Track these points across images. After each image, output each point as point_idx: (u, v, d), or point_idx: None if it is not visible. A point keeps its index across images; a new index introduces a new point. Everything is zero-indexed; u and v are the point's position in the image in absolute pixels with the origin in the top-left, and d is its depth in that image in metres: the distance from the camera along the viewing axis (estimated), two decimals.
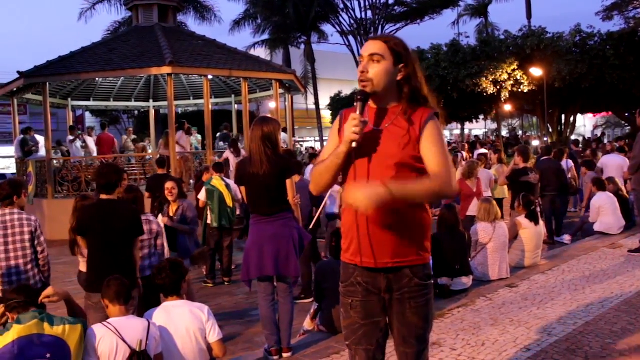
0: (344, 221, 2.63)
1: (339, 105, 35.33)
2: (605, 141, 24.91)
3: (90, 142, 15.81)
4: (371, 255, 2.50)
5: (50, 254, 5.27)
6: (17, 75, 13.84)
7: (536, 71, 22.36)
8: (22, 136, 15.27)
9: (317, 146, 35.66)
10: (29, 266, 4.97)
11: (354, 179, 2.49)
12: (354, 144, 2.38)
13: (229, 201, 8.30)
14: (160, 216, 6.57)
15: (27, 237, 4.95)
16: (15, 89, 14.88)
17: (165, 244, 6.29)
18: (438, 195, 2.49)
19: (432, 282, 2.67)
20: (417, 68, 2.57)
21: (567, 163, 12.22)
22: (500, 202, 10.32)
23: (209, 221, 8.39)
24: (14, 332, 3.04)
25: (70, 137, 15.78)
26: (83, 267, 5.11)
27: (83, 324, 3.33)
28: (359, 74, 2.50)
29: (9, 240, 4.92)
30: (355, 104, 2.44)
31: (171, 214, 6.62)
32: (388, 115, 2.54)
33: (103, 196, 4.54)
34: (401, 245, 2.50)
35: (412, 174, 2.46)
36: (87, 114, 32.37)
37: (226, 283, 8.37)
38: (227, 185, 8.36)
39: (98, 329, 3.43)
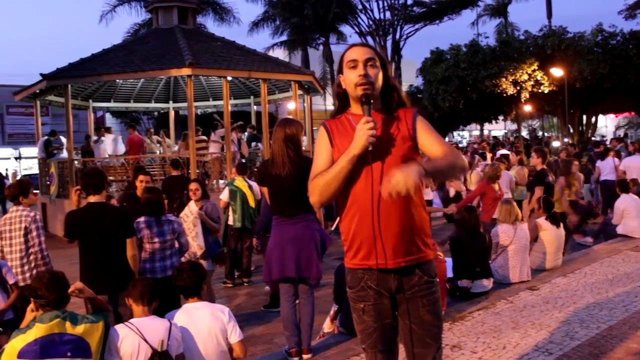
0: (346, 227, 2.64)
1: None
2: (628, 142, 24.57)
3: (113, 142, 15.83)
4: (384, 256, 2.54)
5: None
6: (40, 78, 14.02)
7: (557, 71, 22.15)
8: (45, 137, 15.46)
9: None
10: (24, 260, 5.40)
11: (370, 181, 2.50)
12: (370, 147, 2.41)
13: (251, 202, 8.34)
14: (192, 205, 6.59)
15: (22, 232, 5.38)
16: (37, 91, 15.08)
17: (200, 240, 6.28)
18: (456, 167, 2.58)
19: (438, 279, 2.73)
20: (391, 74, 2.71)
21: (613, 161, 12.18)
22: (519, 203, 10.24)
23: (230, 222, 8.43)
24: (36, 331, 3.10)
25: (95, 137, 15.94)
26: None
27: (105, 318, 3.36)
28: (358, 78, 2.54)
29: (13, 235, 5.41)
30: (362, 107, 2.50)
31: None
32: (379, 117, 2.60)
33: (91, 198, 4.78)
34: (410, 244, 2.56)
35: None
36: (108, 115, 32.72)
37: (245, 284, 8.41)
38: (250, 186, 8.40)
39: (120, 329, 3.47)
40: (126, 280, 4.66)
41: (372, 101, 2.50)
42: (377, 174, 2.50)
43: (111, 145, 15.62)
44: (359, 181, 2.54)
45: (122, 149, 15.89)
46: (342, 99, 2.72)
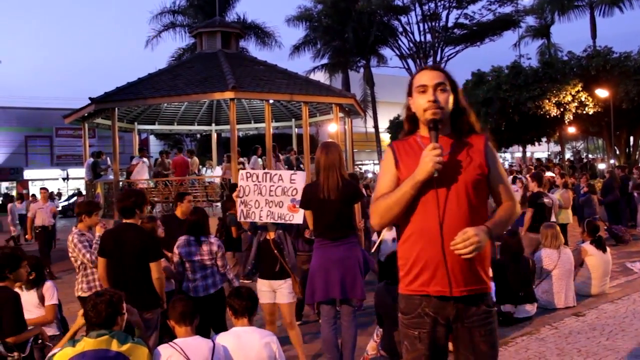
0: (406, 252, 2.61)
1: (398, 128, 35.22)
2: None
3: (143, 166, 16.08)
4: (449, 284, 2.50)
5: None
6: (89, 101, 14.45)
7: (602, 92, 21.76)
8: (92, 159, 15.81)
9: (376, 169, 35.59)
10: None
11: (436, 206, 2.49)
12: (436, 173, 2.42)
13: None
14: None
15: None
16: (86, 114, 15.51)
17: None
18: (511, 222, 2.68)
19: (496, 309, 2.68)
20: (462, 97, 2.67)
21: None
22: (564, 227, 10.04)
23: None
24: (85, 344, 3.22)
25: (136, 161, 16.16)
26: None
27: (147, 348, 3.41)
28: (427, 104, 2.53)
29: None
30: (429, 133, 2.49)
31: None
32: (448, 142, 2.58)
33: (124, 220, 4.85)
34: (472, 274, 2.53)
35: (478, 193, 2.55)
36: (152, 137, 33.45)
37: None
38: None
39: (164, 349, 3.52)
40: (149, 301, 4.66)
41: (439, 127, 2.51)
42: (442, 200, 2.49)
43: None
44: (424, 206, 2.52)
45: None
46: (411, 122, 2.71)
